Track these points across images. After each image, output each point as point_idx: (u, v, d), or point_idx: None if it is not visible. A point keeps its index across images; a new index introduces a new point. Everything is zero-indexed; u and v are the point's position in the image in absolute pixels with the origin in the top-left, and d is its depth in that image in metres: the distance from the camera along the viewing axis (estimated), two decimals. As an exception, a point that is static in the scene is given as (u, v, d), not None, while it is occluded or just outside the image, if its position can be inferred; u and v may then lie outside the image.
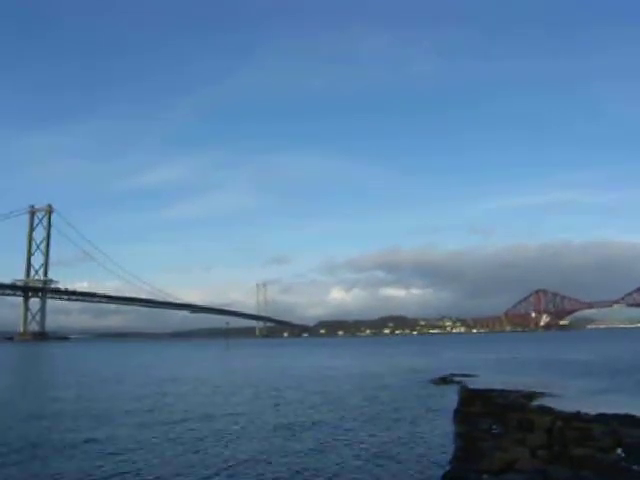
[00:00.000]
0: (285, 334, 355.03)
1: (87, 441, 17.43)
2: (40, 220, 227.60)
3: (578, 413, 19.20)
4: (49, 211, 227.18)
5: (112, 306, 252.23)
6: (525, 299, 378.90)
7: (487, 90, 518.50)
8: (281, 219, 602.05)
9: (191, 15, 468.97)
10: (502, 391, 26.82)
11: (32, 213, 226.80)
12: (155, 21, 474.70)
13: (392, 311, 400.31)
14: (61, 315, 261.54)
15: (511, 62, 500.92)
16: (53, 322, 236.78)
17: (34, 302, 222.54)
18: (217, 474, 13.62)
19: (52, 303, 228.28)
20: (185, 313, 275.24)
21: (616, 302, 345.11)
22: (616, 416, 18.54)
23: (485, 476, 12.14)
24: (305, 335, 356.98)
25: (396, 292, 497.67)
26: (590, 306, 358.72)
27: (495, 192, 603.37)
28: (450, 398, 25.72)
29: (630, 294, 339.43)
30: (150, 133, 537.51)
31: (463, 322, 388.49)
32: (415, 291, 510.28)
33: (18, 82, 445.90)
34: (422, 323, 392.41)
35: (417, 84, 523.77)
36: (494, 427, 17.99)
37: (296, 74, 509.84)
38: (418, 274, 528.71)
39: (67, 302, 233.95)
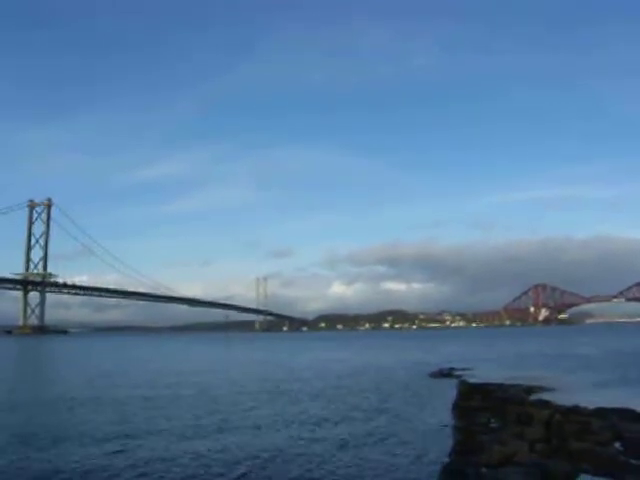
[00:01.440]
0: (284, 328, 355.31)
1: (109, 455, 15.06)
2: (39, 214, 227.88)
3: (577, 407, 19.20)
4: (48, 205, 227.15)
5: (112, 300, 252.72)
6: (524, 293, 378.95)
7: (489, 84, 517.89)
8: (282, 213, 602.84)
9: (191, 9, 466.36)
10: (501, 385, 26.81)
11: (31, 207, 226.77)
12: (155, 15, 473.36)
13: (392, 305, 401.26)
14: (61, 309, 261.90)
15: (513, 56, 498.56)
16: (53, 316, 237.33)
17: (33, 296, 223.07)
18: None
19: (52, 297, 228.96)
20: (185, 307, 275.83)
21: (615, 297, 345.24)
22: (615, 410, 18.55)
23: (484, 469, 12.14)
24: (304, 329, 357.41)
25: (397, 286, 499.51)
26: (589, 300, 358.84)
27: (496, 187, 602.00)
28: (449, 392, 25.70)
29: (629, 289, 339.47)
30: (150, 127, 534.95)
31: (462, 316, 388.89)
32: (416, 285, 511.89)
33: (18, 76, 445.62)
34: (421, 317, 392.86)
35: (418, 78, 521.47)
36: (493, 421, 18.01)
37: (297, 68, 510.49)
38: (419, 268, 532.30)
39: (67, 296, 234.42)
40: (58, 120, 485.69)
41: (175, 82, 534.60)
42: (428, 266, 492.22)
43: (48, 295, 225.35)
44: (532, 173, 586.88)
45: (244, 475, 13.03)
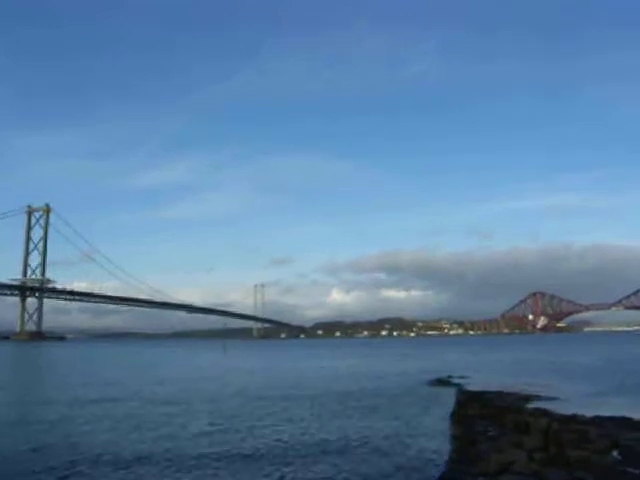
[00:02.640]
0: (282, 335, 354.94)
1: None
2: (38, 220, 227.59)
3: (574, 415, 19.23)
4: (47, 211, 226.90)
5: (111, 306, 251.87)
6: (522, 301, 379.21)
7: (487, 91, 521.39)
8: (283, 220, 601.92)
9: (192, 17, 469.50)
10: (499, 393, 26.85)
11: (29, 213, 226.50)
12: (155, 23, 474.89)
13: (391, 313, 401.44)
14: (60, 315, 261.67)
15: (512, 63, 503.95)
16: (53, 322, 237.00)
17: (31, 302, 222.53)
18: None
19: (52, 303, 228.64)
20: (183, 314, 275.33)
21: (613, 305, 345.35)
22: (612, 418, 18.60)
23: (481, 478, 12.15)
24: (302, 336, 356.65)
25: (396, 294, 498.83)
26: (587, 309, 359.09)
27: (496, 195, 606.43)
28: (447, 400, 25.71)
29: (627, 297, 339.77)
30: (150, 134, 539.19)
31: (460, 324, 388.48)
32: (415, 293, 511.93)
33: (16, 82, 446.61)
34: (419, 325, 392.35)
35: (417, 85, 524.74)
36: (490, 429, 18.00)
37: (296, 75, 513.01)
38: (418, 276, 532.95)
39: (67, 302, 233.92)
40: (58, 126, 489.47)
41: (175, 89, 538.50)
42: (428, 274, 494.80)
43: (47, 301, 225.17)
44: (531, 181, 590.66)
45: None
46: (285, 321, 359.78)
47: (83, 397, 29.69)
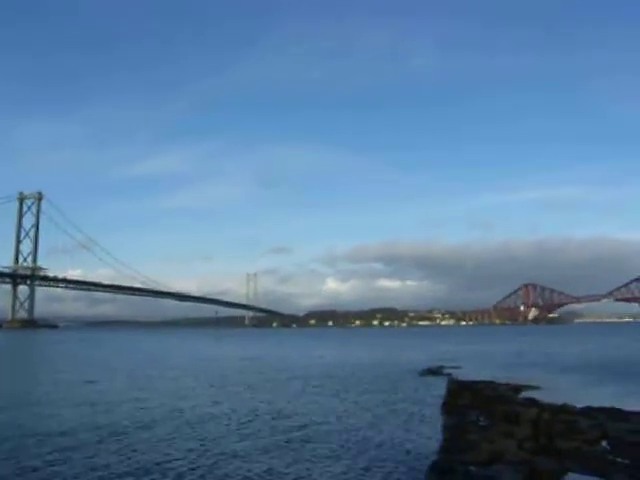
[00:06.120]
0: (274, 324, 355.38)
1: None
2: (29, 207, 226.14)
3: (564, 406, 19.33)
4: (39, 198, 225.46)
5: (106, 294, 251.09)
6: (514, 292, 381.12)
7: (487, 84, 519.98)
8: (282, 210, 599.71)
9: (190, 6, 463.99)
10: (490, 383, 26.96)
11: (21, 200, 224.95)
12: (154, 12, 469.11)
13: (384, 302, 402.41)
14: (54, 303, 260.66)
15: (512, 56, 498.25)
16: (46, 309, 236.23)
17: (23, 289, 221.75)
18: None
19: (46, 290, 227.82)
20: (176, 302, 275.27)
21: (604, 297, 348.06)
22: (602, 409, 18.72)
23: (472, 467, 12.18)
24: (294, 326, 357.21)
25: (391, 284, 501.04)
26: (579, 300, 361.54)
27: (495, 187, 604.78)
28: (438, 390, 25.82)
29: (618, 289, 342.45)
30: (148, 123, 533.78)
31: (452, 314, 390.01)
32: (410, 283, 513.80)
33: (13, 70, 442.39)
34: (411, 315, 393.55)
35: (417, 77, 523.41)
36: (481, 419, 18.10)
37: (296, 66, 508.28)
38: (415, 267, 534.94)
39: (61, 290, 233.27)
40: (54, 115, 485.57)
41: (174, 79, 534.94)
42: (425, 265, 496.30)
43: (41, 289, 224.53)
44: (532, 173, 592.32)
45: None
46: (280, 310, 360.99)
47: (98, 383, 29.72)
